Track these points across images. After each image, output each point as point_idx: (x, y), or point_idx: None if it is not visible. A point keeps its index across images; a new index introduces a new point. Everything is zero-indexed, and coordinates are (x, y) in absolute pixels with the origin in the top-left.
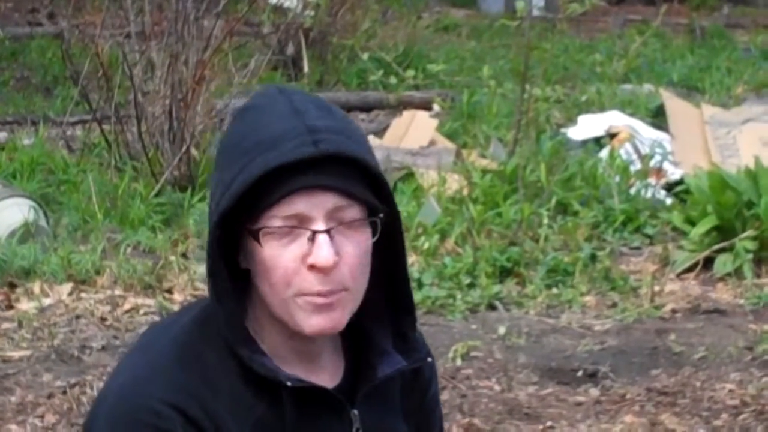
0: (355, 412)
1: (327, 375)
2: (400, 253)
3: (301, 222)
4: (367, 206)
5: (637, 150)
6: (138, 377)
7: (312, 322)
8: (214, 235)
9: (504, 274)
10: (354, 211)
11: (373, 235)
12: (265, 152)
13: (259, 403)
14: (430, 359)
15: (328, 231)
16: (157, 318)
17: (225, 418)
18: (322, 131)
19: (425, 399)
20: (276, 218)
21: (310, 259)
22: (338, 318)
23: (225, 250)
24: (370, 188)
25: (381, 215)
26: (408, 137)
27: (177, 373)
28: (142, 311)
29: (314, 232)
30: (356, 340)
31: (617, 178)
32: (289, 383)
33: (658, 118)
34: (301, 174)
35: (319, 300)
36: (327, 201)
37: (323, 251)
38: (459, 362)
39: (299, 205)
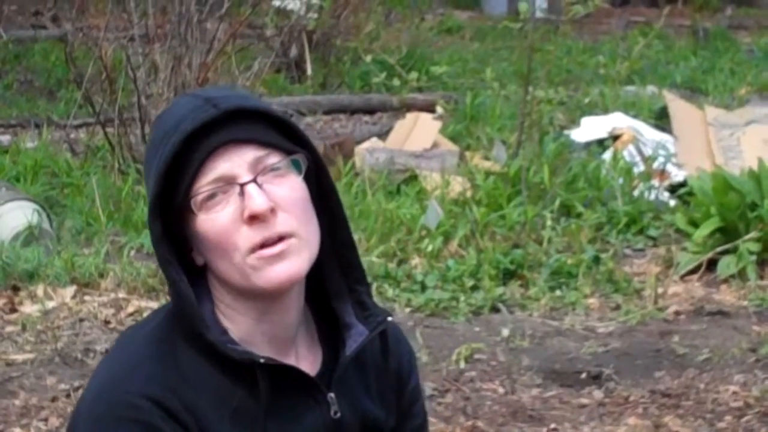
0: (332, 395)
1: (306, 364)
2: (339, 216)
3: (227, 182)
4: (286, 152)
5: (640, 152)
6: (115, 375)
7: (269, 276)
8: (153, 227)
9: (507, 276)
10: (275, 158)
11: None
12: (172, 135)
13: (237, 392)
14: (390, 318)
15: (254, 180)
16: None
17: (204, 410)
18: (220, 97)
19: (405, 391)
20: (202, 188)
21: (246, 211)
22: (294, 266)
23: (177, 251)
24: (283, 137)
25: (300, 154)
26: (411, 139)
27: (153, 367)
28: (145, 314)
29: (242, 186)
30: (328, 323)
31: (620, 180)
32: (262, 360)
33: (661, 119)
34: (211, 137)
35: (268, 251)
36: (245, 154)
37: (255, 199)
38: (462, 365)
39: (219, 166)
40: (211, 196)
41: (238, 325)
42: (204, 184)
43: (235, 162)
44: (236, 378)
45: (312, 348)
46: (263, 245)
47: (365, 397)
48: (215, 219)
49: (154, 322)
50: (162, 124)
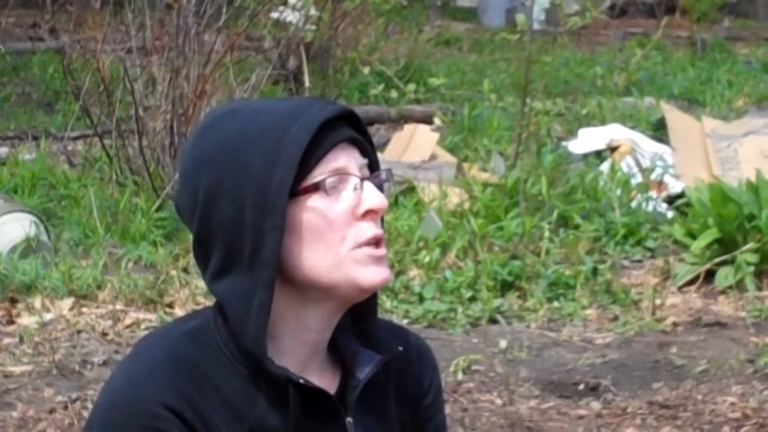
0: (350, 419)
1: (329, 383)
2: None
3: (347, 174)
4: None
5: (638, 163)
6: (132, 381)
7: (371, 274)
8: (278, 218)
9: (505, 287)
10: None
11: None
12: (294, 120)
13: (254, 409)
14: (401, 348)
15: (369, 178)
16: None
17: (218, 426)
18: (324, 101)
19: (420, 406)
20: (322, 174)
21: (363, 205)
22: (389, 273)
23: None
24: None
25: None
26: (409, 151)
27: (172, 376)
28: (143, 326)
29: (362, 179)
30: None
31: (618, 192)
32: (301, 380)
33: (659, 131)
34: (334, 131)
35: (377, 252)
36: (357, 155)
37: (376, 195)
38: (460, 376)
39: (340, 159)
40: (331, 185)
41: (280, 341)
42: (323, 172)
43: (351, 159)
44: (255, 395)
45: (333, 368)
46: (371, 242)
47: (382, 420)
48: (330, 209)
49: (179, 331)
50: (253, 118)
